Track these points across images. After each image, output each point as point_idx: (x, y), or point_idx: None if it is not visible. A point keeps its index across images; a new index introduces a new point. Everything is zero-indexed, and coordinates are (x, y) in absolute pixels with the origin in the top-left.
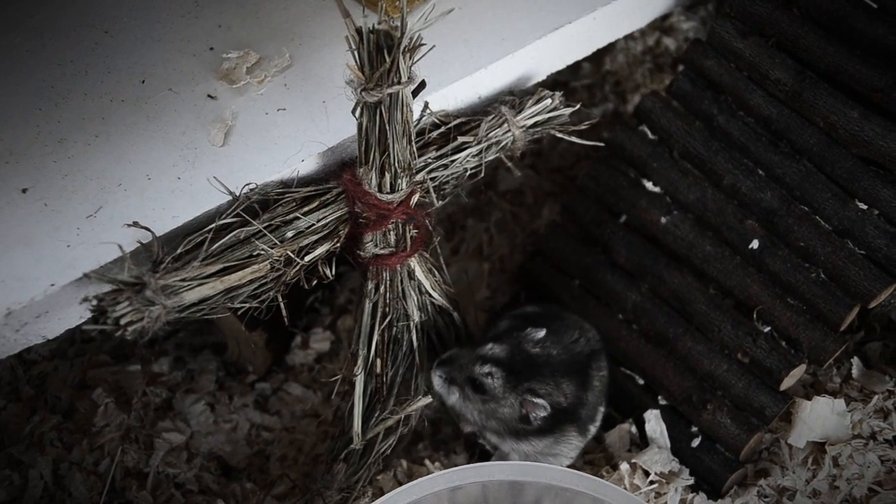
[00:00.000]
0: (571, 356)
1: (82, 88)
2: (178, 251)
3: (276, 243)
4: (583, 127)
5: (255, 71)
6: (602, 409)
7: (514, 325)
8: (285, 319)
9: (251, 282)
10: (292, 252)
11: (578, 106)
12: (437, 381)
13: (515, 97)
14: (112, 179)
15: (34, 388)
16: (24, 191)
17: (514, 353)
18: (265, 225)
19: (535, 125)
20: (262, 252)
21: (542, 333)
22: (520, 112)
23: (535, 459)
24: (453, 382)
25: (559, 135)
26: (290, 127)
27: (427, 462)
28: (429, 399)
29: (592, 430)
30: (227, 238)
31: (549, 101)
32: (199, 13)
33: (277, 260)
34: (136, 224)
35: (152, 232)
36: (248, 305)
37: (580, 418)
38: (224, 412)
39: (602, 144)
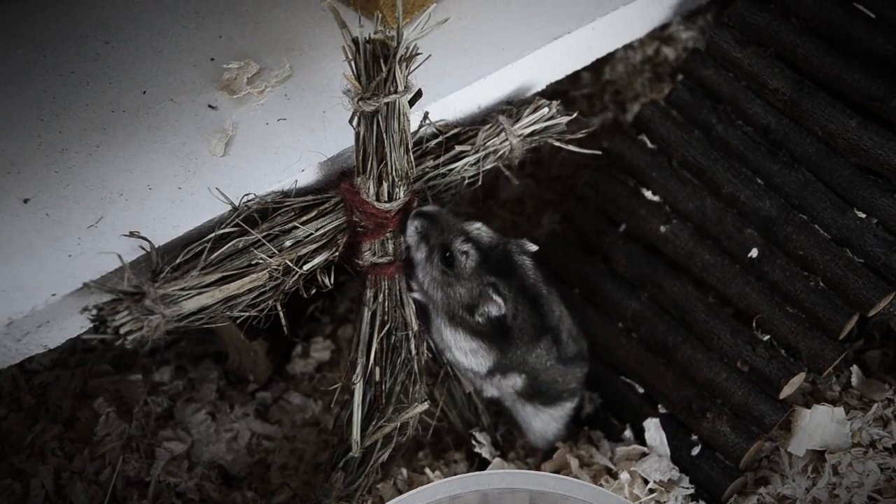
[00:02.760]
0: (544, 305)
1: (83, 99)
2: (178, 261)
3: (274, 252)
4: (580, 135)
5: (256, 81)
6: (521, 380)
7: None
8: (285, 328)
9: (250, 291)
10: (291, 261)
11: (575, 115)
12: (411, 231)
13: (513, 107)
14: (113, 189)
15: (35, 397)
16: (25, 201)
17: (498, 247)
18: (264, 234)
19: (532, 134)
20: (261, 261)
21: (534, 248)
22: (517, 121)
23: (447, 349)
24: (426, 241)
25: (557, 143)
26: (290, 137)
27: (427, 471)
28: (426, 405)
29: (501, 379)
30: (225, 247)
31: (545, 110)
32: (200, 24)
33: (276, 269)
34: (134, 234)
35: (150, 242)
36: (247, 314)
37: (506, 354)
38: (225, 421)
39: (600, 153)
